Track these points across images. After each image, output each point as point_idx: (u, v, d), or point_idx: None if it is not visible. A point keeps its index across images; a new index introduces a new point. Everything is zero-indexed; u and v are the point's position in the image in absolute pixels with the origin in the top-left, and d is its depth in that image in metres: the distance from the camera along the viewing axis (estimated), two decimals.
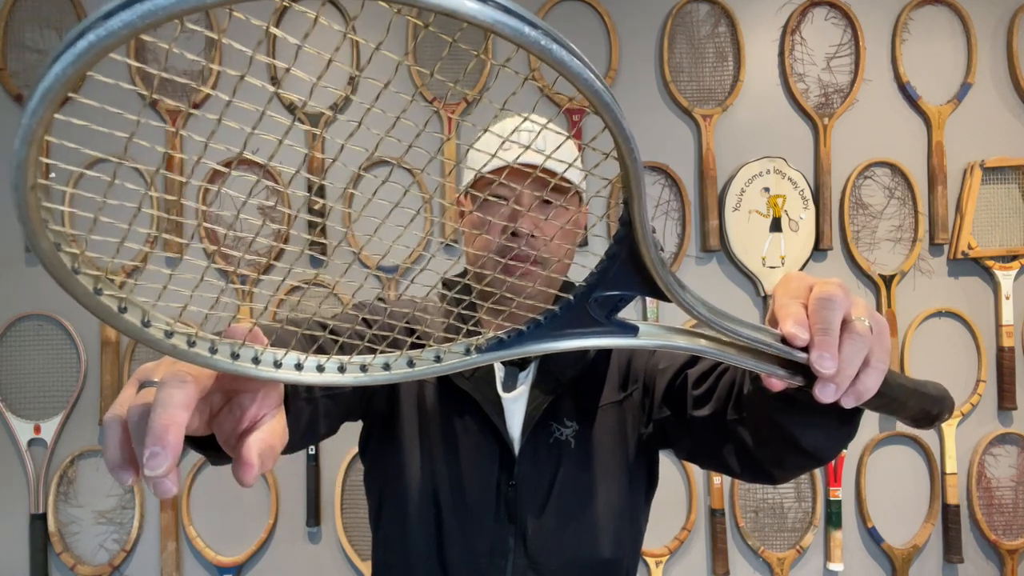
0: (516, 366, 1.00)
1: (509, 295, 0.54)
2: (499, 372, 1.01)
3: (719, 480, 2.11)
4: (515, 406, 0.97)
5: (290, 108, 2.10)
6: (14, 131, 0.33)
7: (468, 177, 1.00)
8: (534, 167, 0.90)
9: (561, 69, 0.36)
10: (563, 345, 0.51)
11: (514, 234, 0.94)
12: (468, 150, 0.50)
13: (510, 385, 0.99)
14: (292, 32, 2.14)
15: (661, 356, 0.99)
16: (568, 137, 0.55)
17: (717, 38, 2.21)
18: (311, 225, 2.06)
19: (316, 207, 2.06)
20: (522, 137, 0.97)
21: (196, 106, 2.08)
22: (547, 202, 0.97)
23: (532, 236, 0.93)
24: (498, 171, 0.93)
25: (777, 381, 0.56)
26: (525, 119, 0.44)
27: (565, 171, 0.51)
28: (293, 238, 2.10)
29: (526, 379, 0.99)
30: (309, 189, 2.08)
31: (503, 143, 0.47)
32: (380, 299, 1.07)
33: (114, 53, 0.33)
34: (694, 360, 0.93)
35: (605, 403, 1.00)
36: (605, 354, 1.02)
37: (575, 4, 2.18)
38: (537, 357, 0.99)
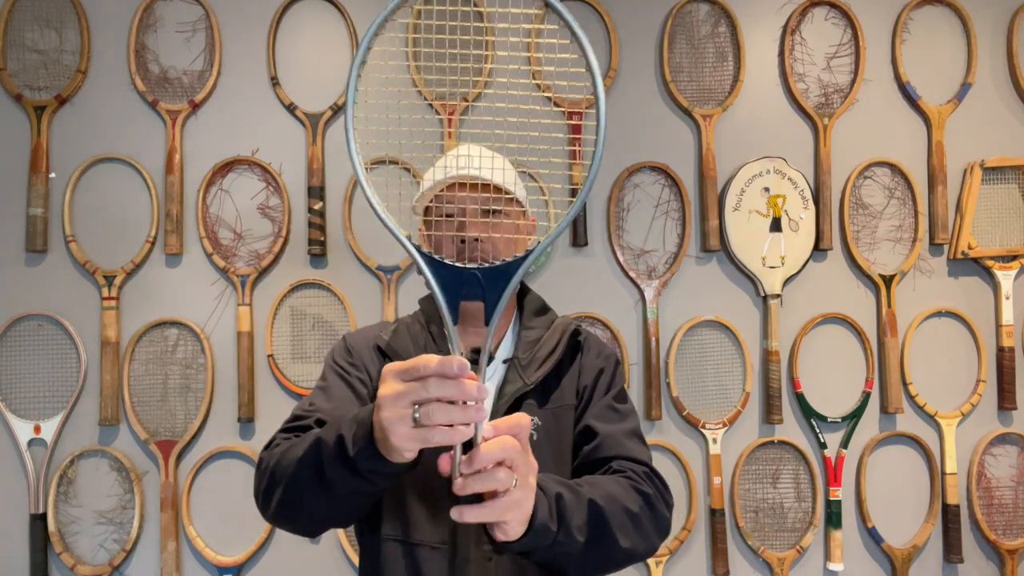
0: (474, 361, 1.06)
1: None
2: None
3: (719, 480, 2.11)
4: None
5: (290, 108, 2.10)
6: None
7: (421, 199, 1.14)
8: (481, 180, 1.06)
9: None
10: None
11: (463, 241, 1.07)
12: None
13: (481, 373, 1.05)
14: (291, 32, 2.13)
15: (597, 390, 1.13)
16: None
17: (717, 38, 2.21)
18: (311, 224, 2.06)
19: (316, 207, 2.06)
20: (463, 158, 1.11)
21: (196, 106, 2.08)
22: (493, 212, 1.10)
23: (478, 241, 1.07)
24: (448, 187, 1.09)
25: None
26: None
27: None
28: (293, 238, 2.10)
29: (492, 375, 1.09)
30: (309, 190, 2.08)
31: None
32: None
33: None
34: (588, 432, 1.09)
35: (564, 404, 1.10)
36: (568, 359, 1.13)
37: (575, 4, 2.18)
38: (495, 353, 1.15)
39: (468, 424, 0.68)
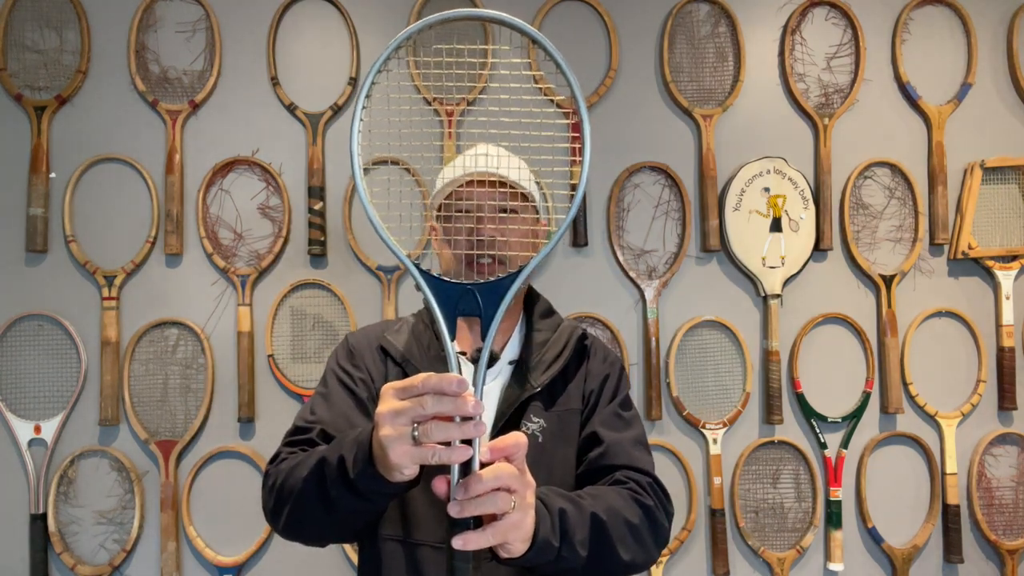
0: (473, 361, 1.05)
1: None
2: (467, 371, 1.06)
3: (719, 480, 2.11)
4: (485, 401, 1.01)
5: (290, 108, 2.10)
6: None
7: (437, 196, 1.14)
8: (495, 176, 1.07)
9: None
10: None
11: (479, 239, 1.07)
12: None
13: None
14: (291, 32, 2.13)
15: (603, 396, 1.12)
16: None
17: (717, 38, 2.21)
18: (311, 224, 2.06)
19: (316, 207, 2.06)
20: (481, 159, 1.10)
21: (196, 106, 2.08)
22: (508, 210, 1.10)
23: (492, 238, 1.07)
24: (465, 184, 1.09)
25: None
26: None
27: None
28: (293, 237, 2.10)
29: (497, 375, 1.09)
30: (309, 190, 2.08)
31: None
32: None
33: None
34: (594, 439, 1.09)
35: (570, 408, 1.10)
36: (575, 363, 1.13)
37: (575, 4, 2.18)
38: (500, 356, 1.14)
39: (467, 442, 0.69)
